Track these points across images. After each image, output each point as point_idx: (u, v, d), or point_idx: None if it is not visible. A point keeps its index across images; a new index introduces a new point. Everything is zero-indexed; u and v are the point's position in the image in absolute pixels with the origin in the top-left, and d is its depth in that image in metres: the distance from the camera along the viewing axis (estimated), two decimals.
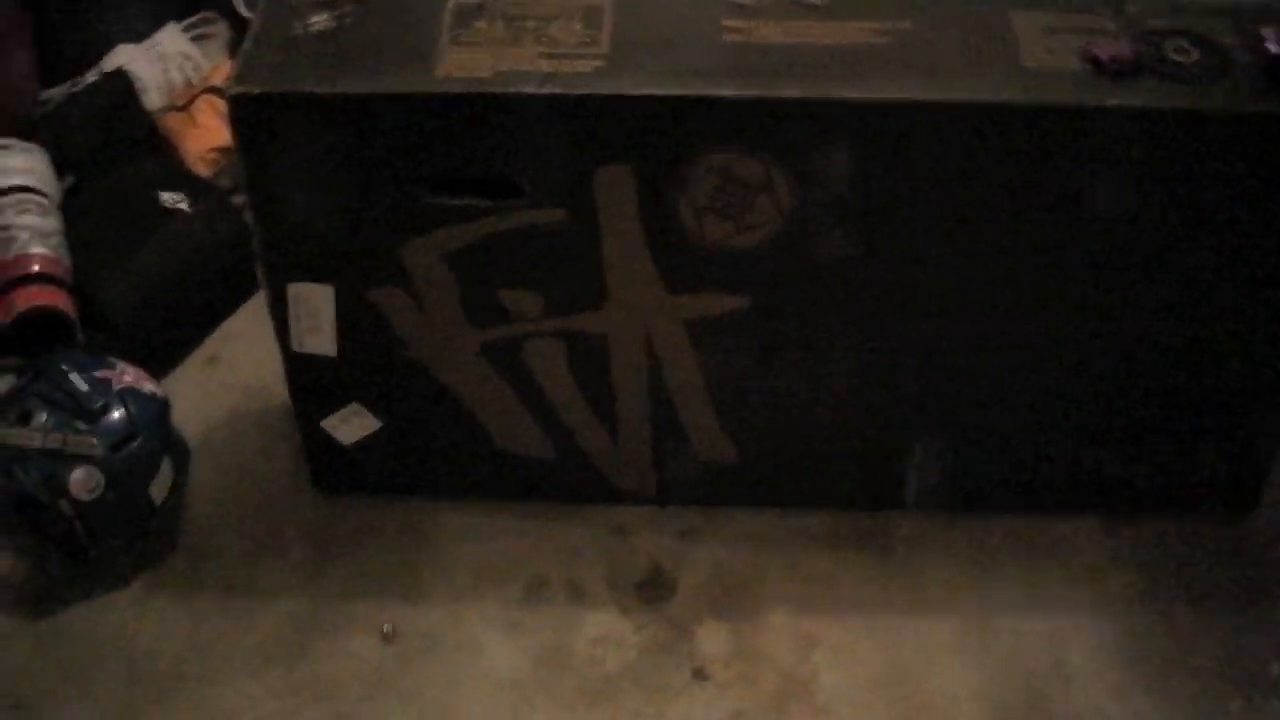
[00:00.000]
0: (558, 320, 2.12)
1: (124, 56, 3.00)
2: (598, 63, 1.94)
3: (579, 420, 2.25)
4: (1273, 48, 1.94)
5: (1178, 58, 1.97)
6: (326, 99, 1.92)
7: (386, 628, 2.20)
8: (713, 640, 2.20)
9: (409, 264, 2.06)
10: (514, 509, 2.37)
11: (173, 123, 2.95)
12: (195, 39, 3.10)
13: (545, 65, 1.93)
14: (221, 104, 2.82)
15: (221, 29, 3.17)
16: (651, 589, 2.27)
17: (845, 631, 2.22)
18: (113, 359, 2.29)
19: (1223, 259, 2.06)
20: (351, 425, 2.25)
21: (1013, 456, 2.32)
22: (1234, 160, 1.96)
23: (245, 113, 1.94)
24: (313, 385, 2.23)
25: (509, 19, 2.00)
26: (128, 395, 2.21)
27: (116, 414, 2.19)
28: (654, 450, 2.29)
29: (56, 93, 2.94)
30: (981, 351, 2.17)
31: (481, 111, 1.92)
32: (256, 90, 1.92)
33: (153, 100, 2.97)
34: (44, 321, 2.50)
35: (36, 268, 2.53)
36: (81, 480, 2.16)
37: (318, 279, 2.09)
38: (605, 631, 2.21)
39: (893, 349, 2.17)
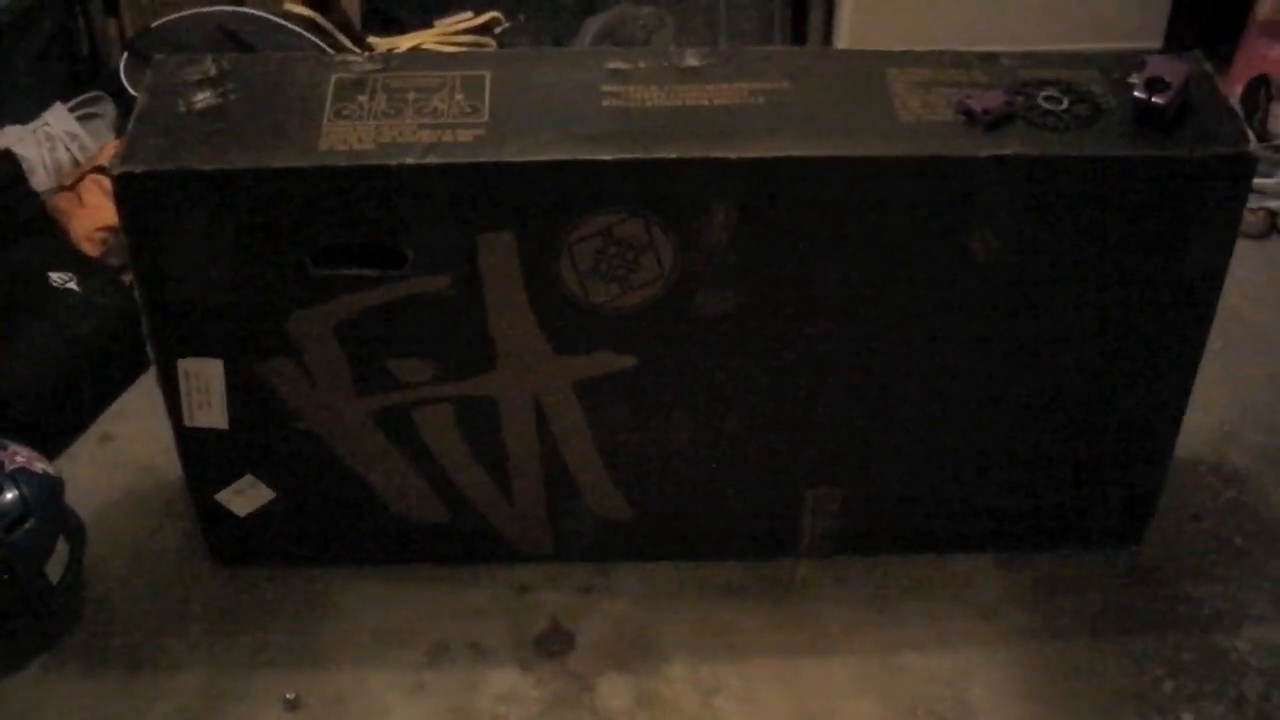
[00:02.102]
0: (447, 386, 2.14)
1: (10, 137, 3.00)
2: (479, 131, 1.98)
3: (473, 483, 2.27)
4: (1139, 93, 2.01)
5: (1049, 106, 2.03)
6: (210, 175, 1.93)
7: (290, 695, 2.19)
8: (614, 692, 2.22)
9: (297, 335, 2.07)
10: (414, 573, 2.38)
11: (60, 203, 2.95)
12: (82, 119, 3.11)
13: (427, 136, 1.96)
14: (108, 183, 2.85)
15: (108, 108, 3.18)
16: (552, 644, 2.28)
17: (747, 677, 2.24)
18: (3, 440, 2.27)
19: (1104, 299, 2.12)
20: (246, 497, 2.26)
21: (906, 500, 2.36)
22: (1107, 202, 2.03)
23: (130, 191, 1.96)
24: (206, 459, 2.23)
25: (390, 91, 2.04)
26: (20, 476, 2.19)
27: (9, 495, 2.16)
28: (549, 509, 2.31)
29: None
30: (870, 400, 2.22)
31: (364, 183, 1.95)
32: (141, 169, 1.93)
33: (40, 181, 2.97)
34: None
35: None
36: None
37: (207, 354, 2.09)
38: (508, 689, 2.22)
39: (781, 401, 2.21)
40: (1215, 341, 2.20)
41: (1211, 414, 2.62)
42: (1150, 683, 2.23)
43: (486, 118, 2.00)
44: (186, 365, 2.10)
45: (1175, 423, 2.29)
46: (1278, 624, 2.33)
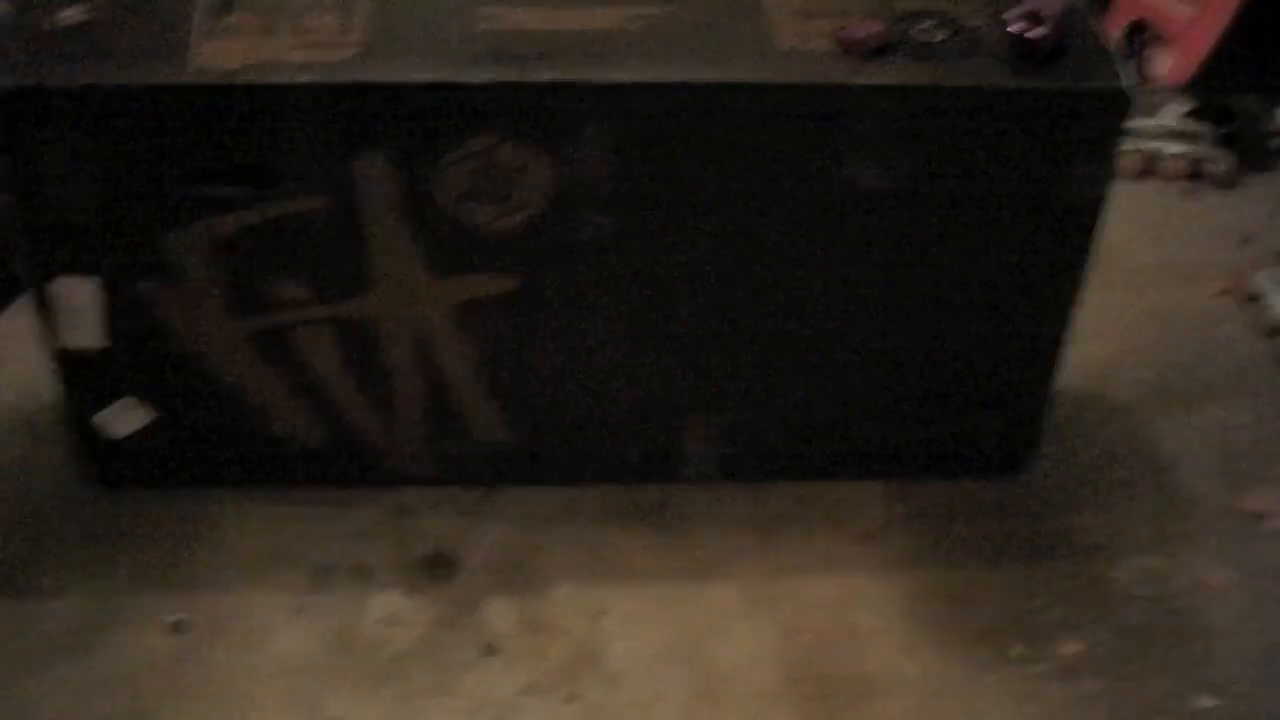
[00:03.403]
0: (325, 308, 2.14)
1: None
2: (352, 51, 1.97)
3: (353, 406, 2.27)
4: (1014, 28, 2.02)
5: (927, 38, 2.04)
6: (78, 92, 1.92)
7: (175, 618, 2.19)
8: (500, 615, 2.23)
9: (173, 255, 2.06)
10: (296, 495, 2.38)
11: None
12: None
13: (299, 55, 1.95)
14: None
15: None
16: (436, 568, 2.29)
17: (632, 601, 2.26)
18: None
19: (984, 230, 2.13)
20: (125, 419, 2.25)
21: (790, 427, 2.37)
22: (984, 133, 2.04)
23: None
24: (83, 381, 2.22)
25: (262, 10, 2.02)
26: None
27: None
28: (431, 432, 2.31)
29: None
30: (751, 327, 2.23)
31: (236, 102, 1.94)
32: (7, 85, 1.91)
33: None
34: None
35: None
36: None
37: (81, 273, 2.08)
38: (392, 612, 2.23)
39: (661, 326, 2.21)
40: (1097, 278, 2.22)
41: (1094, 348, 2.63)
42: (1033, 610, 2.26)
43: (361, 37, 1.98)
44: (60, 285, 2.09)
45: (1057, 353, 2.30)
46: (1158, 553, 2.36)
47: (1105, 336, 2.70)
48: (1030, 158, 2.06)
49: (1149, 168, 3.24)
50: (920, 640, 2.21)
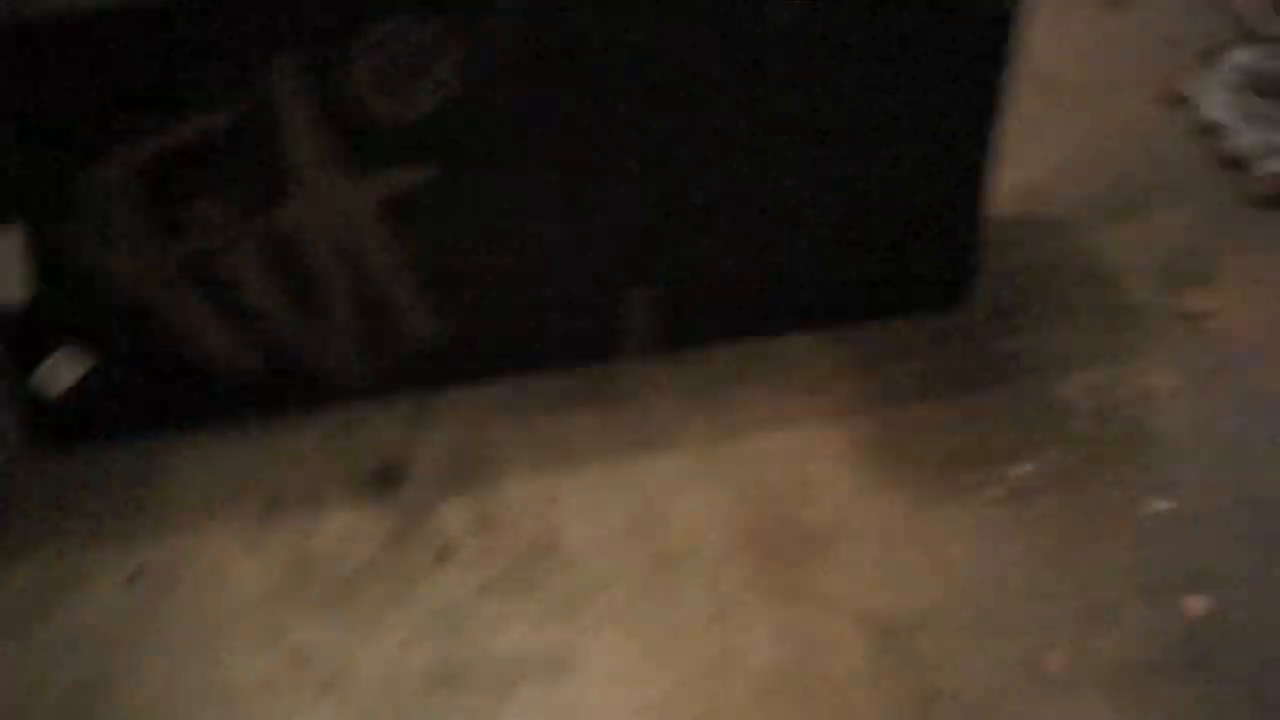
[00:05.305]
0: (247, 223, 2.09)
1: None
2: None
3: (285, 324, 2.23)
4: None
5: None
6: None
7: (131, 570, 2.16)
8: (453, 518, 2.22)
9: (90, 192, 2.01)
10: (241, 428, 2.34)
11: None
12: None
13: None
14: None
15: None
16: (385, 480, 2.28)
17: (584, 485, 2.25)
18: None
19: (897, 53, 2.11)
20: (65, 369, 2.20)
21: (725, 287, 2.35)
22: None
23: None
24: (16, 337, 2.16)
25: None
26: None
27: None
28: (368, 341, 2.28)
29: None
30: (678, 189, 2.20)
31: (132, 26, 1.88)
32: None
33: None
34: None
35: None
36: None
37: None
38: (346, 530, 2.21)
39: (588, 203, 2.19)
40: (1025, 99, 2.22)
41: (1027, 170, 2.63)
42: (983, 438, 2.27)
43: None
44: None
45: (984, 177, 2.29)
46: (1104, 366, 2.38)
47: (1037, 158, 2.70)
48: None
49: None
50: (873, 482, 2.22)
